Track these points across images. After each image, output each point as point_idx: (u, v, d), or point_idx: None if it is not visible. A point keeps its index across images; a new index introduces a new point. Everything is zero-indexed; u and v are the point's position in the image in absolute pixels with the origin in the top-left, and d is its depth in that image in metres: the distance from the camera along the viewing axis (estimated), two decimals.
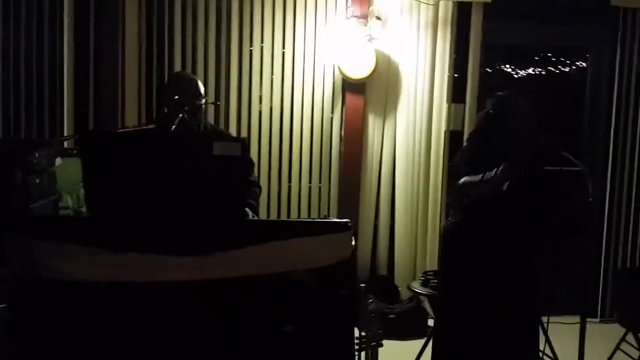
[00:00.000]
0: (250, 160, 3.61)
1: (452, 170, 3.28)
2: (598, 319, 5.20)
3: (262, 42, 4.95)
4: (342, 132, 5.04)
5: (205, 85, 4.53)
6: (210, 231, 2.15)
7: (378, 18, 4.85)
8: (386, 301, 4.85)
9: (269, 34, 4.94)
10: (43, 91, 4.58)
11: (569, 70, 5.84)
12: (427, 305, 4.84)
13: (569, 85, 5.82)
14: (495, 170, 2.93)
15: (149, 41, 4.88)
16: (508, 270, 3.11)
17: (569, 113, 5.54)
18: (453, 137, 5.07)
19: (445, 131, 5.05)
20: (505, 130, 3.05)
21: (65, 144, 3.95)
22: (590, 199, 2.89)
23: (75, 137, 3.96)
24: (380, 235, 5.16)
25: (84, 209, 2.91)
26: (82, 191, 2.74)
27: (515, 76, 5.86)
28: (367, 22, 4.86)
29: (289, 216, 5.05)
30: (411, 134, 5.04)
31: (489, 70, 5.49)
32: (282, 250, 2.15)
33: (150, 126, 3.71)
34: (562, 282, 4.42)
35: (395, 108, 5.04)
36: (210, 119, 4.77)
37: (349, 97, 5.00)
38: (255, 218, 3.21)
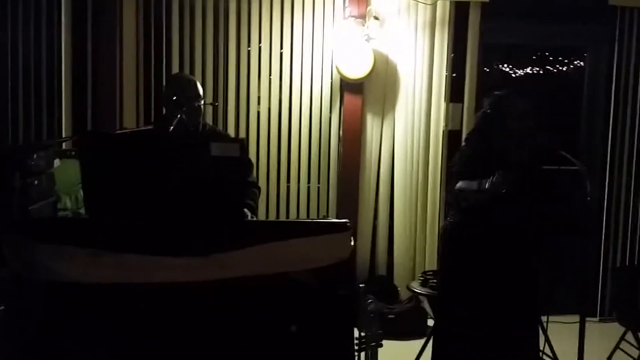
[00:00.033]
0: (249, 160, 3.62)
1: (451, 170, 3.28)
2: (597, 318, 5.19)
3: (260, 42, 4.95)
4: (341, 132, 5.04)
5: (203, 86, 4.50)
6: (209, 232, 2.15)
7: (376, 18, 4.85)
8: (385, 301, 4.84)
9: (266, 34, 4.94)
10: (41, 92, 4.55)
11: (567, 69, 5.85)
12: (426, 305, 4.84)
13: (566, 85, 5.83)
14: (490, 178, 2.93)
15: (146, 42, 4.89)
16: (507, 270, 3.11)
17: (567, 112, 5.54)
18: (451, 136, 5.07)
19: (443, 131, 5.04)
20: (503, 130, 3.06)
21: (64, 146, 3.93)
22: (589, 198, 2.91)
23: (73, 139, 3.95)
24: (379, 235, 5.15)
25: (82, 210, 2.91)
26: (81, 192, 2.74)
27: (513, 76, 5.87)
28: (365, 22, 4.85)
29: (287, 217, 5.05)
30: (409, 134, 5.04)
31: (486, 69, 5.50)
32: (281, 250, 2.15)
33: (149, 127, 3.71)
34: (561, 281, 4.41)
35: (393, 108, 5.04)
36: (209, 119, 4.76)
37: (347, 97, 5.00)
38: (254, 219, 3.21)
